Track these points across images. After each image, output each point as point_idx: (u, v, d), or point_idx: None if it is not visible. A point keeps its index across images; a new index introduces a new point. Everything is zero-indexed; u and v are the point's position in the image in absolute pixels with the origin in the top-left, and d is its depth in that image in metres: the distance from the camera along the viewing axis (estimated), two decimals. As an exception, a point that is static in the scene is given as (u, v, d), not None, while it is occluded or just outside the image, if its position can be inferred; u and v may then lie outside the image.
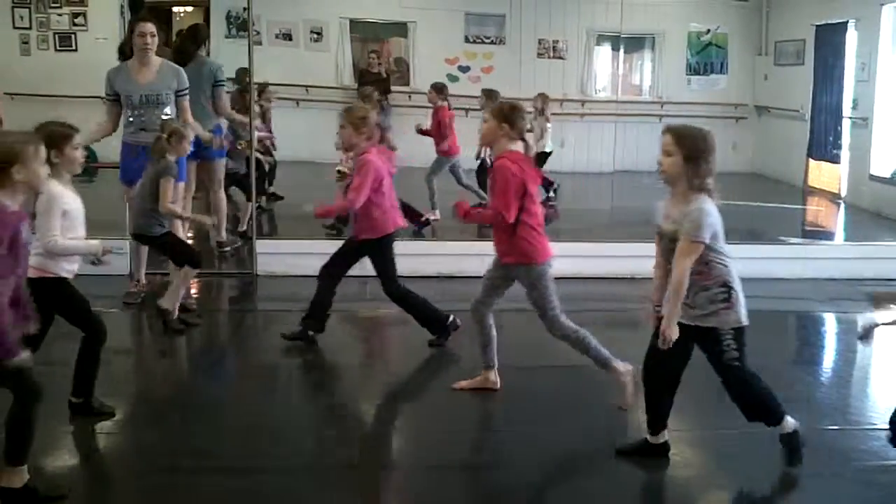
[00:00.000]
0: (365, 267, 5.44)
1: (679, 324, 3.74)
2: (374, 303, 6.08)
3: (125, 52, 6.46)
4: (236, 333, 6.26)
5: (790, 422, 3.91)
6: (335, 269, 5.43)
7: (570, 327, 4.56)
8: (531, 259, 4.54)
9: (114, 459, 4.02)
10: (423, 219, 8.35)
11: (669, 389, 3.96)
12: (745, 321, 3.80)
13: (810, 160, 11.99)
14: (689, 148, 3.69)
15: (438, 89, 9.23)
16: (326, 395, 5.03)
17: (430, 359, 5.51)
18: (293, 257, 7.02)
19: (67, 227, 3.93)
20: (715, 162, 3.72)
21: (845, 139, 11.24)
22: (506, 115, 4.51)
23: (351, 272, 5.48)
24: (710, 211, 3.70)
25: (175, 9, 15.55)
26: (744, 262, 7.32)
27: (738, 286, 3.84)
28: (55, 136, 3.81)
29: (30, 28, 11.00)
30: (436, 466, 4.00)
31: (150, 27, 6.26)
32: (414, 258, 6.84)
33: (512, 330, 6.36)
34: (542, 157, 9.66)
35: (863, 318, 5.71)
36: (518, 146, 4.55)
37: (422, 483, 3.89)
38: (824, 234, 10.30)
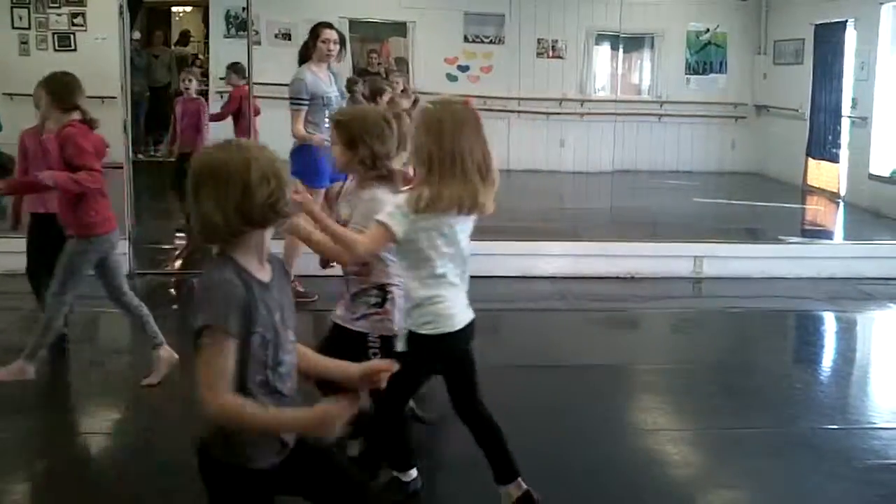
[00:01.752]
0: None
1: (336, 325, 3.53)
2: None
3: (308, 55, 6.28)
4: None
5: (413, 474, 3.52)
6: None
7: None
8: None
9: (114, 459, 4.02)
10: None
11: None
12: (398, 332, 3.32)
13: (809, 159, 11.99)
14: (348, 134, 3.40)
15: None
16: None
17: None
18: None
19: None
20: (390, 143, 3.40)
21: (844, 138, 11.24)
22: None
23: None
24: (384, 200, 3.30)
25: (174, 8, 15.57)
26: (743, 260, 7.46)
27: (399, 291, 3.37)
28: None
29: (29, 28, 10.99)
30: (432, 465, 4.00)
31: (335, 34, 6.29)
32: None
33: (512, 330, 6.37)
34: None
35: None
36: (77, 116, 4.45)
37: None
38: (823, 233, 10.31)
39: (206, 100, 12.29)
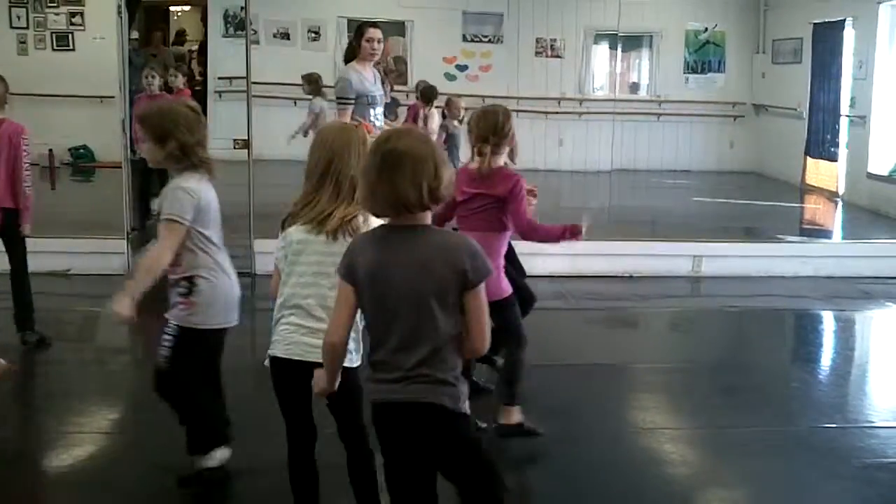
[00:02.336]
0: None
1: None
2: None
3: (353, 55, 6.21)
4: (234, 333, 6.24)
5: (218, 455, 3.59)
6: None
7: None
8: None
9: (112, 458, 4.01)
10: None
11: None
12: (203, 326, 3.43)
13: (808, 158, 12.00)
14: (155, 130, 3.35)
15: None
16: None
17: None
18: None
19: None
20: (199, 132, 3.36)
21: (843, 137, 11.25)
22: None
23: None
24: (191, 189, 3.32)
25: (172, 8, 15.54)
26: (742, 259, 7.46)
27: (210, 284, 3.42)
28: None
29: (27, 28, 11.00)
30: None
31: (379, 33, 6.24)
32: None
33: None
34: None
35: None
36: None
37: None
38: (822, 232, 10.31)
39: (205, 100, 12.34)
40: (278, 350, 2.95)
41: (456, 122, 8.48)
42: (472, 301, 2.44)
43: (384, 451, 2.57)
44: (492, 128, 4.03)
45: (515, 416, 4.10)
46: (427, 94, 8.66)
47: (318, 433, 3.10)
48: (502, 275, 4.06)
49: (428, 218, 2.49)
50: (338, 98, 6.15)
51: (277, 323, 2.98)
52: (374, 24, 6.28)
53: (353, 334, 2.75)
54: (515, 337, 4.11)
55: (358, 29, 6.28)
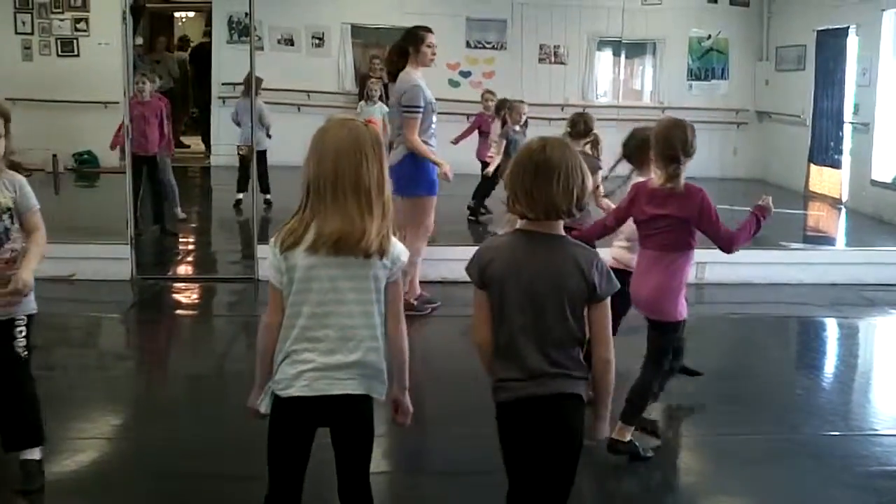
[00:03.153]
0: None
1: None
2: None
3: (406, 61, 6.04)
4: (237, 339, 6.25)
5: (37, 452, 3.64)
6: None
7: None
8: None
9: (115, 464, 4.01)
10: None
11: None
12: (35, 311, 3.56)
13: (811, 165, 11.99)
14: None
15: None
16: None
17: (430, 361, 5.51)
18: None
19: None
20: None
21: (846, 144, 11.25)
22: None
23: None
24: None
25: (177, 14, 15.60)
26: (745, 266, 7.44)
27: None
28: None
29: (32, 33, 11.01)
30: (437, 471, 4.01)
31: (435, 38, 6.10)
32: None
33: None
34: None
35: None
36: None
37: (422, 488, 3.90)
38: (826, 240, 10.30)
39: (208, 106, 12.37)
40: (295, 389, 2.56)
41: (517, 128, 8.55)
42: (599, 312, 2.61)
43: (510, 450, 2.67)
44: (681, 146, 3.94)
45: (628, 434, 3.99)
46: (499, 105, 9.24)
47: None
48: (682, 297, 4.00)
49: (562, 227, 2.63)
50: (408, 107, 5.85)
51: (289, 358, 2.58)
52: (431, 30, 6.14)
53: (383, 363, 2.62)
54: (663, 361, 4.09)
55: (415, 34, 6.05)
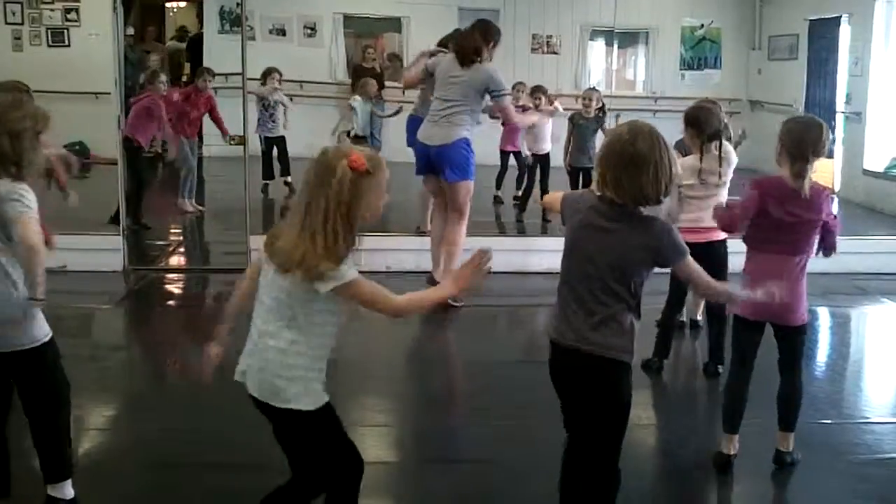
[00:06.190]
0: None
1: None
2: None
3: (479, 53, 6.28)
4: (232, 329, 6.25)
5: None
6: None
7: None
8: None
9: (112, 456, 4.01)
10: None
11: None
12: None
13: (804, 154, 11.99)
14: None
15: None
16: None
17: (428, 355, 5.52)
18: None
19: None
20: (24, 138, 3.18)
21: (839, 134, 11.25)
22: None
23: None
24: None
25: (168, 4, 15.51)
26: (737, 256, 7.43)
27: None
28: None
29: (22, 24, 10.94)
30: (435, 461, 4.01)
31: None
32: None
33: (507, 326, 6.38)
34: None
35: None
36: None
37: (422, 478, 3.91)
38: (818, 229, 10.31)
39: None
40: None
41: (590, 113, 8.86)
42: (684, 269, 2.88)
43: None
44: (815, 145, 3.85)
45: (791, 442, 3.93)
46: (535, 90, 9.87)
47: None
48: (805, 300, 3.91)
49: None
50: (501, 91, 6.26)
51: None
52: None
53: (319, 364, 2.82)
54: (799, 366, 4.04)
55: (494, 30, 6.45)
